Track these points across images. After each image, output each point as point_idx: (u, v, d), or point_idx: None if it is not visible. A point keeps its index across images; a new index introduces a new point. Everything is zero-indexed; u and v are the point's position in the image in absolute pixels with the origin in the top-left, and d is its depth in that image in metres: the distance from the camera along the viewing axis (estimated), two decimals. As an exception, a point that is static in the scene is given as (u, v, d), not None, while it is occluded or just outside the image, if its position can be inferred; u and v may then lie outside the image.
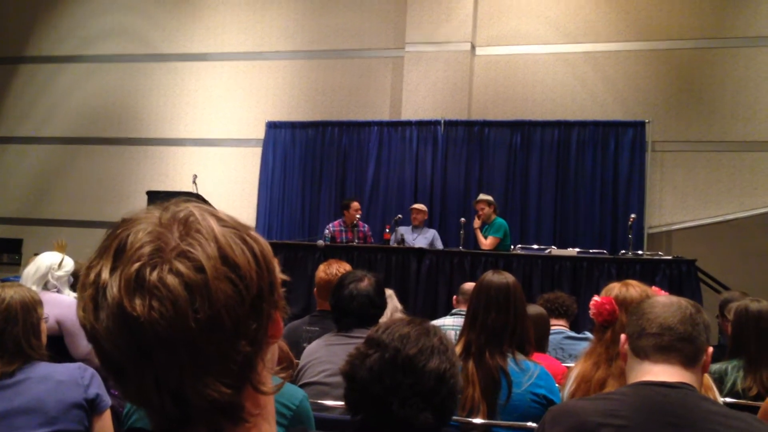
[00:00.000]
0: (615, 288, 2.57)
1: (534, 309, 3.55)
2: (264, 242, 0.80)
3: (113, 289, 0.72)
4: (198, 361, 0.72)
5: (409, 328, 1.70)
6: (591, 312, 2.52)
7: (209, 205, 0.85)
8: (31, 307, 2.43)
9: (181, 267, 0.72)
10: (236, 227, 0.78)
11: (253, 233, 0.80)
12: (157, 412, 0.75)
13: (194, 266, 0.72)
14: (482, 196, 7.82)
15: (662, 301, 1.82)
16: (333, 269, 3.60)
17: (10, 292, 2.41)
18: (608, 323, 2.48)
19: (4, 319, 2.34)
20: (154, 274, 0.71)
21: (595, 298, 2.53)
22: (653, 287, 2.59)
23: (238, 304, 0.74)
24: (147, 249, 0.73)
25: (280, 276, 0.82)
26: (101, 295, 0.73)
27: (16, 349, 2.33)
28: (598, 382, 2.41)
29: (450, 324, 4.07)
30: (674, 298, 1.83)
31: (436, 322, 3.94)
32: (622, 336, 1.86)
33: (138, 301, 0.71)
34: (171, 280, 0.71)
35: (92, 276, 0.75)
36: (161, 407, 0.73)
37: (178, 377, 0.72)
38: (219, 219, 0.78)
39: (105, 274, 0.74)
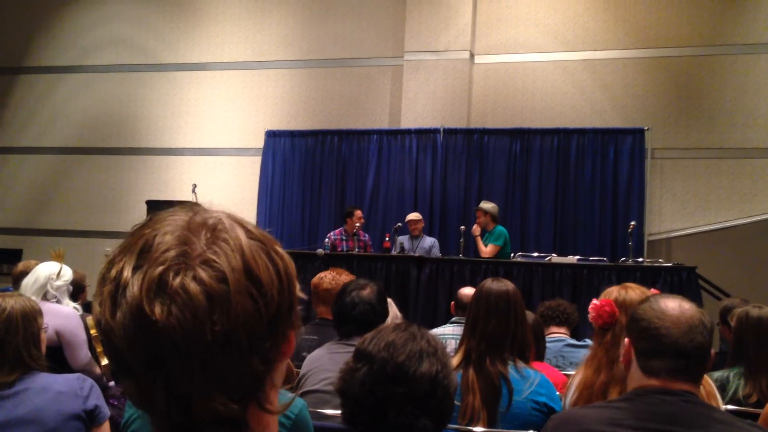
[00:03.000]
0: (614, 291, 2.56)
1: (528, 317, 3.53)
2: (289, 259, 0.80)
3: (134, 289, 0.71)
4: (209, 374, 0.71)
5: (394, 335, 1.66)
6: (590, 315, 2.50)
7: None
8: (31, 317, 2.42)
9: (204, 275, 0.71)
10: (263, 241, 0.78)
11: (279, 249, 0.79)
12: (161, 418, 0.74)
13: (217, 276, 0.71)
14: (482, 204, 7.82)
15: (672, 314, 1.74)
16: (331, 277, 3.59)
17: (11, 302, 2.40)
18: (608, 326, 2.47)
19: (5, 329, 2.33)
20: (177, 280, 0.71)
21: (594, 301, 2.51)
22: (652, 290, 2.56)
23: (256, 321, 0.73)
24: (172, 253, 0.72)
25: (299, 294, 0.81)
26: (120, 292, 0.72)
27: (16, 359, 2.33)
28: (600, 387, 2.40)
29: (450, 333, 4.05)
30: (683, 308, 1.77)
31: (435, 331, 3.93)
32: (626, 340, 1.82)
33: (158, 306, 0.70)
34: (193, 287, 0.70)
35: (114, 272, 0.74)
36: (167, 414, 0.72)
37: (187, 387, 0.71)
38: (247, 231, 0.77)
39: (127, 272, 0.73)
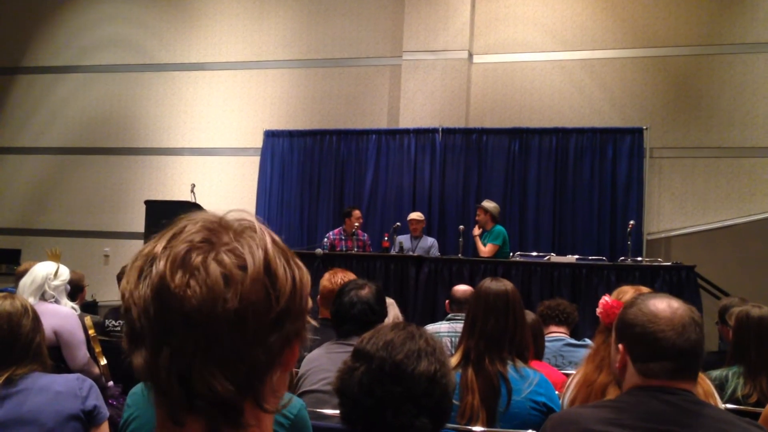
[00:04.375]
0: (628, 293, 2.53)
1: (527, 316, 3.52)
2: (306, 272, 0.85)
3: (160, 263, 0.78)
4: (212, 349, 0.75)
5: (393, 334, 1.66)
6: (598, 311, 2.47)
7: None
8: (39, 316, 2.46)
9: (225, 259, 0.78)
10: (285, 250, 0.84)
11: (299, 261, 0.85)
12: (164, 393, 0.77)
13: (238, 264, 0.78)
14: (484, 203, 7.82)
15: (664, 316, 1.72)
16: (338, 278, 3.59)
17: (26, 302, 2.43)
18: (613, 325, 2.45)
19: (33, 328, 2.38)
20: (199, 258, 0.77)
21: (605, 298, 2.46)
22: None
23: (265, 310, 0.78)
24: (198, 237, 0.80)
25: (309, 318, 0.86)
26: (148, 265, 0.79)
27: (36, 356, 2.36)
28: (600, 386, 2.39)
29: (446, 330, 4.05)
30: (672, 307, 1.75)
31: (431, 328, 3.93)
32: (620, 347, 1.79)
33: (178, 276, 0.76)
34: (213, 267, 0.77)
35: (146, 251, 0.81)
36: (169, 388, 0.76)
37: (190, 359, 0.75)
38: (272, 238, 0.83)
39: (158, 249, 0.80)
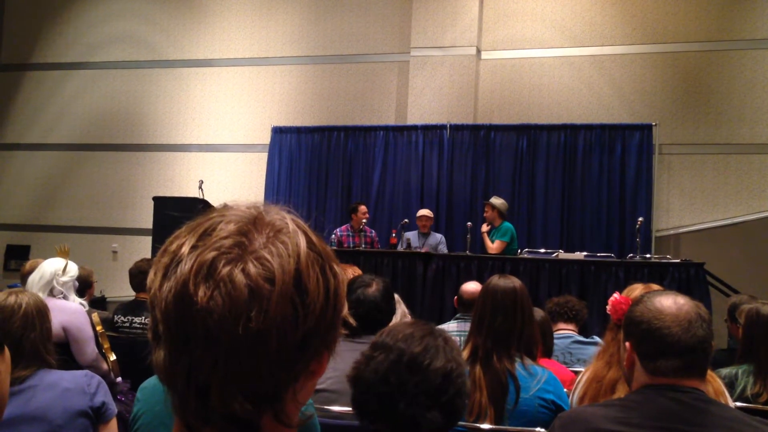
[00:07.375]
0: (637, 289, 2.53)
1: (536, 313, 3.51)
2: (342, 280, 0.80)
3: (185, 267, 0.73)
4: (231, 368, 0.71)
5: (413, 329, 1.69)
6: (608, 308, 2.48)
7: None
8: (44, 313, 2.46)
9: (252, 270, 0.72)
10: (322, 255, 0.78)
11: (336, 267, 0.79)
12: (180, 398, 0.74)
13: (266, 275, 0.72)
14: (492, 199, 7.81)
15: (670, 312, 1.71)
16: (348, 274, 3.57)
17: (25, 298, 2.43)
18: (622, 322, 2.45)
19: (22, 325, 2.36)
20: (227, 269, 0.72)
21: (615, 295, 2.46)
22: None
23: (291, 330, 0.73)
24: (229, 241, 0.74)
25: (346, 317, 0.81)
26: (173, 267, 0.74)
27: (33, 354, 2.35)
28: (609, 382, 2.38)
29: (455, 329, 4.04)
30: (678, 303, 1.73)
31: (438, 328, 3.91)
32: (627, 345, 1.78)
33: (202, 289, 0.71)
34: (239, 279, 0.71)
35: (174, 246, 0.76)
36: (185, 396, 0.73)
37: (207, 374, 0.71)
38: (309, 241, 0.78)
39: (185, 249, 0.74)
